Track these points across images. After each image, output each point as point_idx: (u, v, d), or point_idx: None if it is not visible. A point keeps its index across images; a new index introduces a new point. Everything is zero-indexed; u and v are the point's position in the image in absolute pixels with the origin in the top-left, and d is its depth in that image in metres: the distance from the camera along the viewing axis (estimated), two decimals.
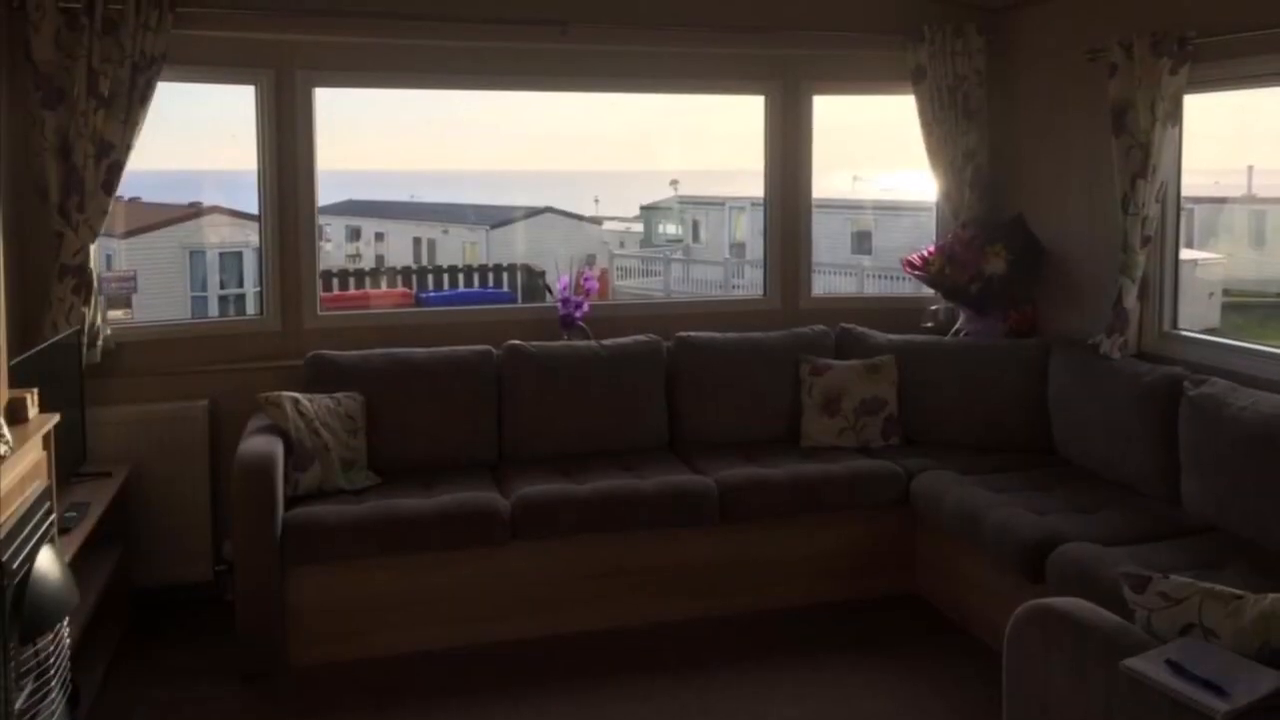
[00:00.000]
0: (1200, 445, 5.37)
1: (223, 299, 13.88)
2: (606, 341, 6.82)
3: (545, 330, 7.01)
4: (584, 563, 5.88)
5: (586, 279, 7.13)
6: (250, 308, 8.37)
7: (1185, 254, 6.49)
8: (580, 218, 20.70)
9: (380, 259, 20.09)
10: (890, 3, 7.33)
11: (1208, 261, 7.72)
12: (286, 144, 6.61)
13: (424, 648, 5.66)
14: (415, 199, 21.51)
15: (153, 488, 6.22)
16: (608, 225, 21.56)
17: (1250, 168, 8.07)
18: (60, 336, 5.59)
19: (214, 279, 14.16)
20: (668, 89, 7.67)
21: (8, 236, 5.60)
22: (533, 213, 20.05)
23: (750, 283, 14.61)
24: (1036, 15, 7.16)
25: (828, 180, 7.85)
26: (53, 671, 4.19)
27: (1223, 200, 8.14)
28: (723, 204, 19.66)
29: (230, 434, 6.14)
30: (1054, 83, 7.01)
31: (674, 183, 20.35)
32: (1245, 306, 8.47)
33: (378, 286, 14.92)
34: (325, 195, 7.03)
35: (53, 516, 4.53)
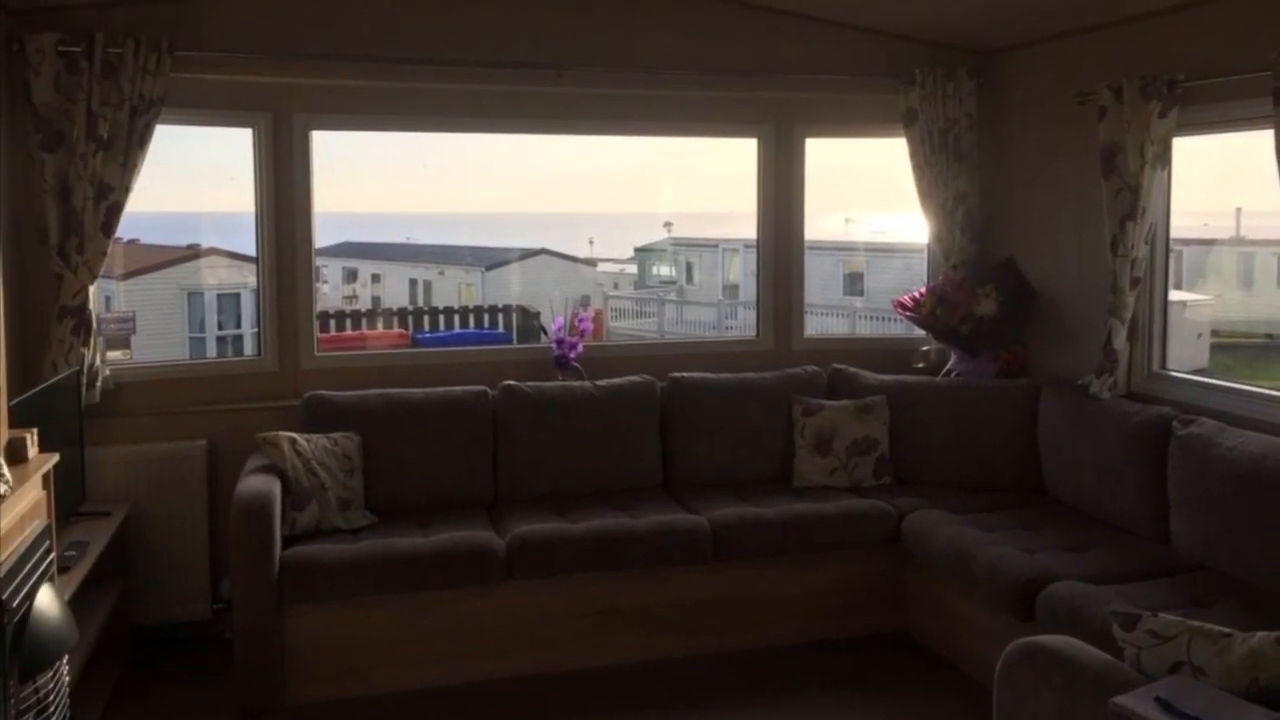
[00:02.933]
0: (1189, 484, 5.41)
1: (221, 340, 13.90)
2: (601, 382, 6.86)
3: (540, 371, 7.05)
4: (579, 601, 5.91)
5: (581, 320, 7.16)
6: (248, 348, 8.41)
7: (1174, 295, 6.53)
8: (575, 259, 20.74)
9: (377, 300, 20.11)
10: (882, 46, 7.39)
11: (1196, 303, 7.77)
12: (284, 186, 6.66)
13: (421, 685, 5.69)
14: (411, 241, 21.55)
15: (151, 526, 6.24)
16: (602, 267, 21.60)
17: (1238, 210, 8.13)
18: (59, 377, 5.62)
19: (212, 320, 14.19)
20: (662, 132, 7.72)
21: (8, 278, 5.64)
22: (528, 254, 20.09)
23: (743, 324, 14.67)
24: (1027, 59, 7.24)
25: (820, 222, 7.90)
26: (52, 709, 4.21)
27: (1211, 242, 8.21)
28: (716, 246, 19.71)
29: (228, 473, 6.19)
30: (1044, 126, 7.07)
31: (668, 225, 20.41)
32: (1234, 347, 8.52)
33: (374, 327, 14.93)
34: (322, 237, 7.07)
35: (52, 555, 4.57)
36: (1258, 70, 5.16)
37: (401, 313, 16.17)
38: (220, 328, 14.06)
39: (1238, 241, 8.60)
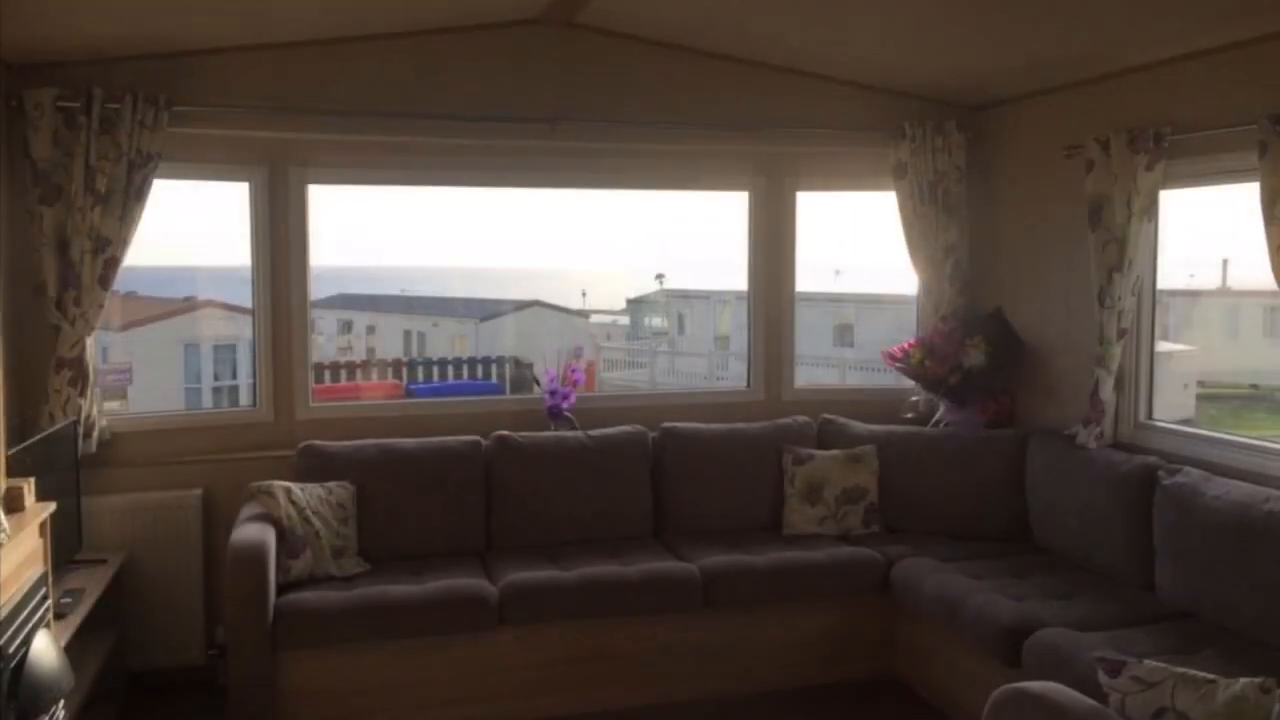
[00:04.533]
0: (1175, 533, 5.46)
1: (216, 390, 13.91)
2: (593, 432, 6.91)
3: (533, 421, 7.09)
4: (571, 647, 5.94)
5: (573, 371, 7.22)
6: (244, 399, 8.42)
7: (1161, 346, 6.56)
8: (568, 311, 20.76)
9: (371, 351, 20.11)
10: (872, 101, 7.48)
11: (1183, 353, 7.81)
12: (280, 239, 6.72)
13: None
14: (406, 293, 21.58)
15: (147, 574, 6.27)
16: (595, 318, 21.62)
17: (1225, 261, 8.18)
18: (57, 427, 5.66)
19: (208, 371, 14.20)
20: (654, 186, 7.78)
21: (6, 329, 5.71)
22: (521, 306, 20.11)
23: (734, 374, 14.69)
24: (1015, 113, 7.32)
25: (810, 274, 7.94)
26: None
27: (1197, 293, 8.26)
28: (707, 297, 19.74)
29: (223, 522, 6.24)
30: (1032, 178, 7.14)
31: (660, 277, 20.45)
32: (1219, 397, 8.57)
33: (369, 379, 14.97)
34: (318, 289, 7.12)
35: (49, 602, 4.60)
36: (1244, 124, 5.24)
37: (396, 364, 16.21)
38: (216, 379, 14.07)
39: (1224, 293, 8.66)
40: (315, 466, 6.36)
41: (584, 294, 21.55)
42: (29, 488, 4.57)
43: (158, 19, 5.75)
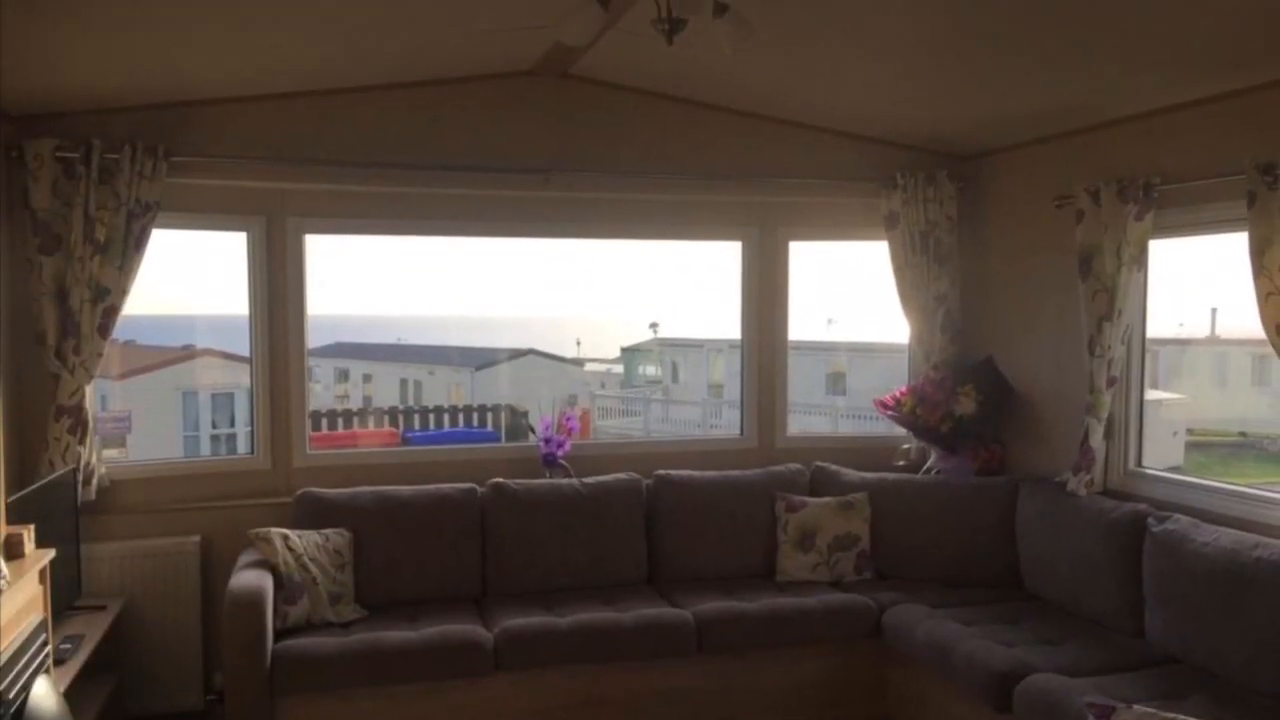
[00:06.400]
0: (1164, 579, 5.49)
1: (214, 438, 13.92)
2: (588, 479, 6.95)
3: (528, 469, 7.14)
4: (566, 693, 5.95)
5: (568, 419, 7.26)
6: (241, 447, 8.46)
7: (1150, 394, 6.61)
8: (562, 359, 20.75)
9: (368, 400, 20.09)
10: (864, 151, 7.56)
11: (1172, 401, 7.86)
12: (277, 289, 6.78)
13: None
14: (402, 341, 21.60)
15: (146, 620, 6.30)
16: (589, 367, 21.61)
17: (1214, 310, 8.24)
18: (56, 474, 5.70)
19: (206, 419, 14.22)
20: (648, 235, 7.81)
21: (6, 377, 5.76)
22: (516, 354, 20.10)
23: (728, 422, 14.70)
24: (1006, 163, 7.40)
25: (803, 322, 7.98)
26: None
27: (1187, 342, 8.32)
28: (701, 346, 19.75)
29: (221, 568, 6.27)
30: (1023, 228, 7.21)
31: (654, 325, 20.48)
32: (1208, 445, 8.61)
33: (365, 426, 14.98)
34: (315, 338, 7.17)
35: (48, 648, 4.63)
36: (1232, 174, 5.28)
37: (392, 412, 16.21)
38: (214, 426, 14.08)
39: (1213, 341, 8.72)
40: (312, 513, 6.40)
41: (578, 342, 21.56)
42: (29, 534, 4.60)
43: (156, 70, 5.84)
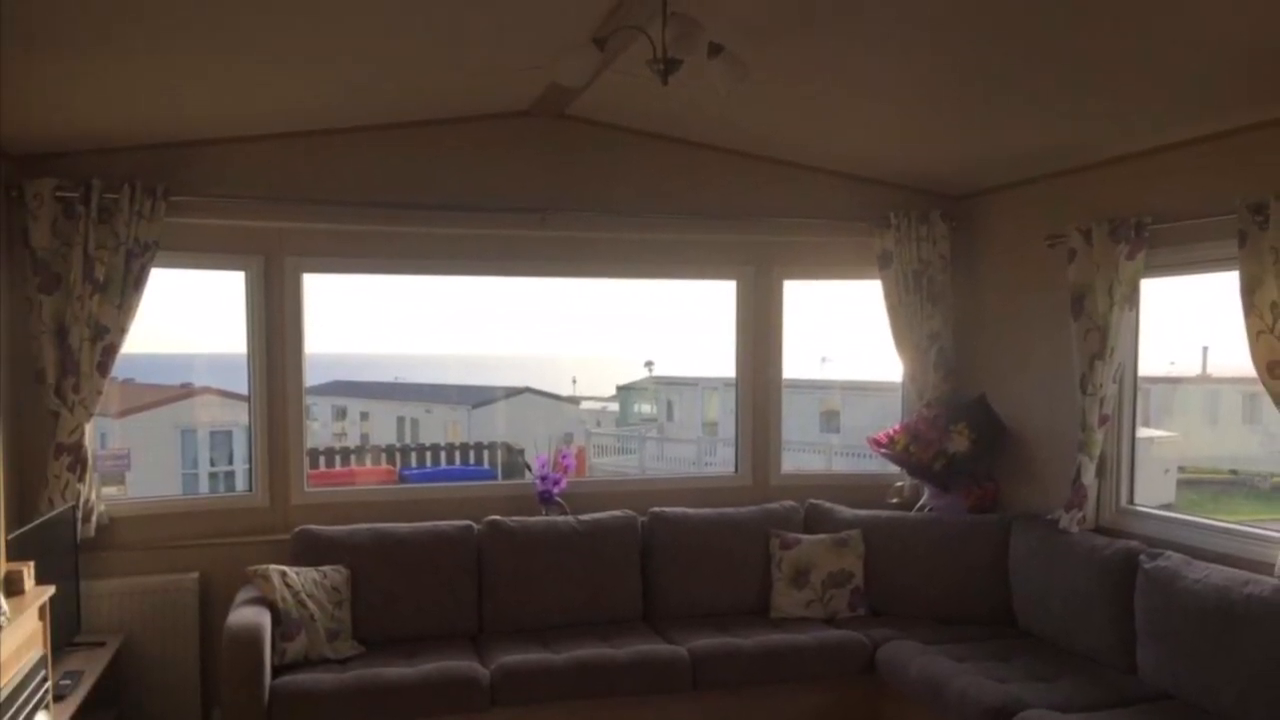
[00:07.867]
0: (1156, 616, 5.51)
1: (213, 476, 13.96)
2: (583, 517, 6.98)
3: (524, 506, 7.16)
4: None
5: (564, 457, 7.28)
6: (240, 484, 8.51)
7: (1142, 432, 6.63)
8: (558, 397, 20.80)
9: (365, 438, 20.13)
10: (858, 191, 7.61)
11: (1164, 439, 7.87)
12: (276, 327, 6.82)
13: None
14: (399, 380, 21.65)
15: (145, 656, 6.31)
16: (585, 405, 21.65)
17: (1205, 348, 8.27)
18: (56, 512, 5.73)
19: (205, 456, 14.26)
20: (643, 274, 7.83)
21: (6, 415, 5.79)
22: (513, 393, 20.14)
23: (722, 460, 14.73)
24: (998, 202, 7.45)
25: (797, 361, 8.03)
26: None
27: (1178, 380, 8.35)
28: (696, 384, 19.80)
29: (220, 605, 6.28)
30: (1015, 267, 7.26)
31: (649, 363, 20.55)
32: (1199, 482, 8.62)
33: (363, 464, 15.02)
34: (312, 376, 7.20)
35: (48, 684, 4.66)
36: (1223, 213, 5.34)
37: (389, 450, 16.26)
38: (213, 464, 14.13)
39: (1204, 379, 8.75)
40: (310, 550, 6.43)
41: (574, 380, 21.61)
42: (29, 571, 4.64)
43: (156, 110, 5.89)
